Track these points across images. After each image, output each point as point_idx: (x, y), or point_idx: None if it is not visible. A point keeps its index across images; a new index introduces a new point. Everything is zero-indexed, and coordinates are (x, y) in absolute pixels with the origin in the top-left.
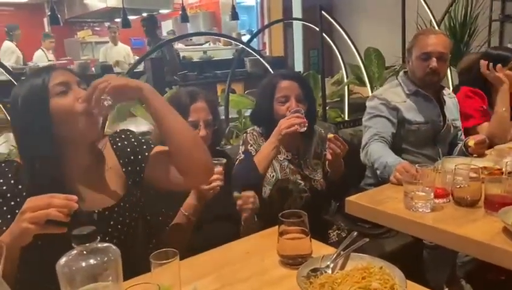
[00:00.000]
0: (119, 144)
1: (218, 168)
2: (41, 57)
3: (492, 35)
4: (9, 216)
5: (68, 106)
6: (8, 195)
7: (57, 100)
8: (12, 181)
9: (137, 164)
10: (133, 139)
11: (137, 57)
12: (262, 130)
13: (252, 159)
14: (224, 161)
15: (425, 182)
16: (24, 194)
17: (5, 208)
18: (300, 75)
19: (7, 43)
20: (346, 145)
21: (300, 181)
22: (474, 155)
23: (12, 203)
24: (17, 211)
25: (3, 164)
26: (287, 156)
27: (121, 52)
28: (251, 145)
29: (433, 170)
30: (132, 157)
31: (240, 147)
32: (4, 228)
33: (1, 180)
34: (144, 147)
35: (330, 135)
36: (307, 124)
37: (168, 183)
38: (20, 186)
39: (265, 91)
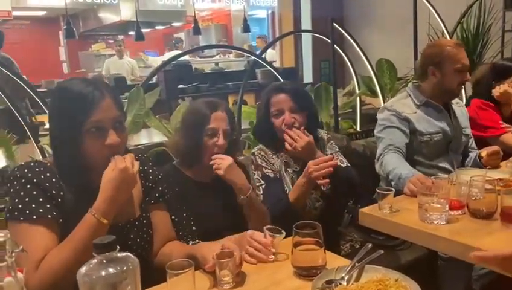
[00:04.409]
0: (146, 167)
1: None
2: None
3: (506, 46)
4: (58, 210)
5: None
6: (53, 191)
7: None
8: (53, 179)
9: (155, 192)
10: (157, 172)
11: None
12: (266, 145)
13: (281, 190)
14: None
15: (440, 194)
16: (62, 193)
17: (54, 202)
18: (292, 86)
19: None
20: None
21: (311, 191)
22: (488, 167)
23: (59, 199)
24: (63, 208)
25: (36, 163)
26: (296, 168)
27: (125, 66)
28: (265, 168)
29: (448, 181)
30: (151, 185)
31: (254, 172)
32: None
33: (42, 177)
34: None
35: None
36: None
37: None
38: (58, 185)
39: (261, 107)
